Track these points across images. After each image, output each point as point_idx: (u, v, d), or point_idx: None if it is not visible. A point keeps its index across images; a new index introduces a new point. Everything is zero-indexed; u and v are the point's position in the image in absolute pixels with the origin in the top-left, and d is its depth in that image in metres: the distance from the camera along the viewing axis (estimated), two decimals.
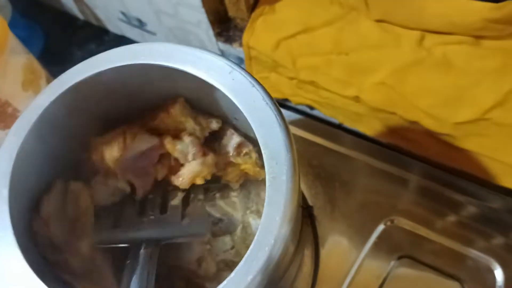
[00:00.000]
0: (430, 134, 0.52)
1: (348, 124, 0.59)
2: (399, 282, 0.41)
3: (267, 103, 0.26)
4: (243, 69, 0.28)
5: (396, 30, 0.51)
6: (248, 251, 0.22)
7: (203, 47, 0.65)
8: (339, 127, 0.63)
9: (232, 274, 0.22)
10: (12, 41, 0.60)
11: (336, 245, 0.44)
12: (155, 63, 0.30)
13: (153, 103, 0.37)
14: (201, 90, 0.30)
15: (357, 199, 0.46)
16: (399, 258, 0.42)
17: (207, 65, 0.28)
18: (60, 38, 0.82)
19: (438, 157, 0.53)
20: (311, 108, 0.63)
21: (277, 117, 0.25)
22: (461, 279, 0.41)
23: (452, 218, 0.44)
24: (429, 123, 0.50)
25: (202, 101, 0.36)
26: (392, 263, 0.42)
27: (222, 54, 0.64)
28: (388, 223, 0.44)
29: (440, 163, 0.53)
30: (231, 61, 0.28)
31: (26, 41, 0.65)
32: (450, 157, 0.52)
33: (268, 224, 0.23)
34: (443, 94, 0.49)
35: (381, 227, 0.44)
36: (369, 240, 0.43)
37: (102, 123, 0.36)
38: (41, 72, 0.66)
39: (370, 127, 0.57)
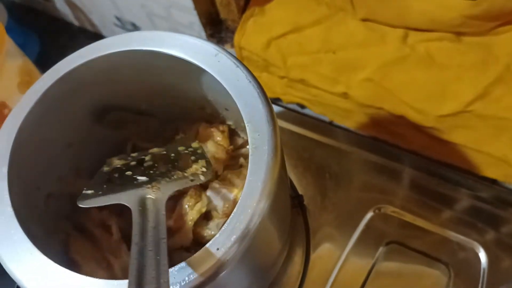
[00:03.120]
0: (417, 128, 0.54)
1: (337, 121, 0.61)
2: (387, 267, 0.43)
3: (250, 81, 0.28)
4: (228, 52, 0.30)
5: (381, 29, 0.54)
6: (232, 214, 0.24)
7: None
8: (330, 124, 0.64)
9: (217, 235, 0.23)
10: (8, 43, 0.61)
11: (326, 233, 0.45)
12: (145, 48, 0.31)
13: (148, 90, 0.38)
14: (189, 76, 0.32)
15: (347, 189, 0.47)
16: (387, 244, 0.44)
17: (194, 49, 0.30)
18: (55, 44, 0.83)
19: (424, 150, 0.55)
20: (302, 107, 0.65)
21: (259, 94, 0.27)
22: (447, 262, 0.42)
23: (438, 205, 0.45)
24: (414, 117, 0.52)
25: (191, 93, 0.37)
26: (380, 249, 0.43)
27: None
28: (376, 211, 0.45)
29: (426, 156, 0.55)
30: (217, 44, 0.30)
31: (21, 48, 0.67)
32: (436, 150, 0.54)
33: (251, 189, 0.24)
34: (426, 89, 0.51)
35: (369, 214, 0.45)
36: (358, 227, 0.45)
37: (99, 108, 0.37)
38: (38, 74, 0.67)
39: (358, 123, 0.58)
